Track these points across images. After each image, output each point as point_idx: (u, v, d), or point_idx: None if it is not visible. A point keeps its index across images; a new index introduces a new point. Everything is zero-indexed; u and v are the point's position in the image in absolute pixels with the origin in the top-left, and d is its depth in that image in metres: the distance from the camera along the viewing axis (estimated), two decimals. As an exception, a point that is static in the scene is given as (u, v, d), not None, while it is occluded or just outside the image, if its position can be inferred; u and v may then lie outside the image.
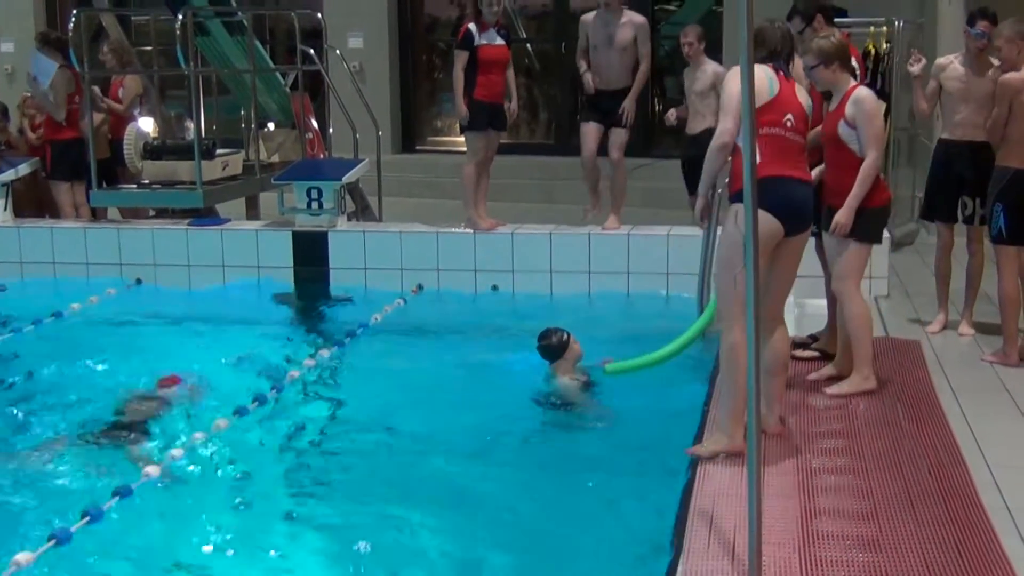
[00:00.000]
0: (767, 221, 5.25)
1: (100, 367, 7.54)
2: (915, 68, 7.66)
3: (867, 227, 6.26)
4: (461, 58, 9.26)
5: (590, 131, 9.44)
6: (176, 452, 5.89)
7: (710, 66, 9.36)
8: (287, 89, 12.21)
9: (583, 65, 9.49)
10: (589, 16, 9.48)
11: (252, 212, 11.78)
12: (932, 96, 7.59)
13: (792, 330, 7.64)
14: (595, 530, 5.12)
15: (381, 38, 16.14)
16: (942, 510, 4.83)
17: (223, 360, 7.54)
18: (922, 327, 7.77)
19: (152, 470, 5.63)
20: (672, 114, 9.76)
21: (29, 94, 11.26)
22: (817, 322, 7.55)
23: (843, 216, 6.17)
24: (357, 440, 6.28)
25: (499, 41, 9.31)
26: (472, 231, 9.43)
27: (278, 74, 12.27)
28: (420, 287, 9.39)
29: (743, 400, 4.98)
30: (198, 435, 6.11)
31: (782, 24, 5.91)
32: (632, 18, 9.34)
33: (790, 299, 8.26)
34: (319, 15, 12.76)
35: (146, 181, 10.51)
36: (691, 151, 8.97)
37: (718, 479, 5.22)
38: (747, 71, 3.96)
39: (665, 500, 5.19)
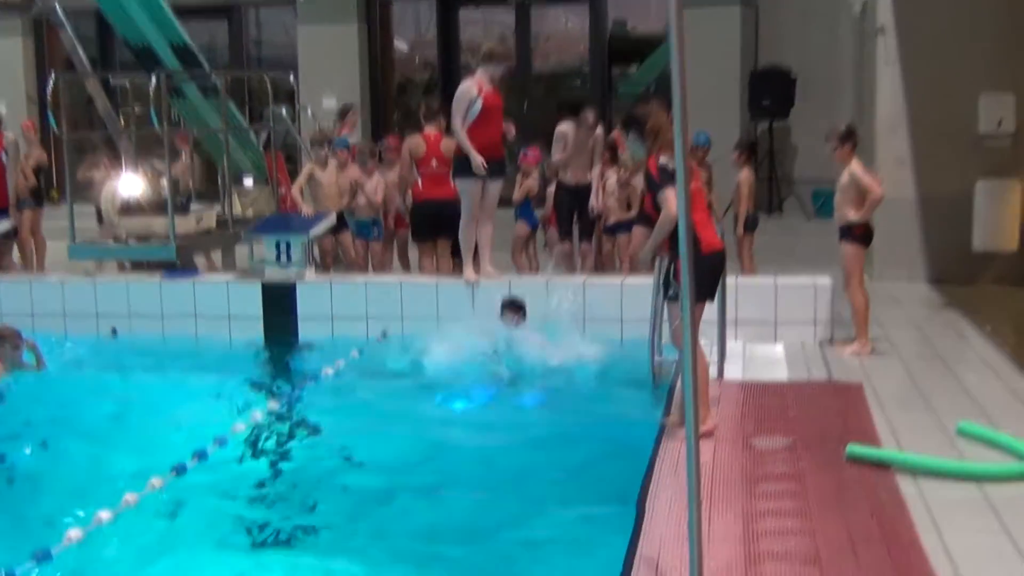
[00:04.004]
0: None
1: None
2: None
3: None
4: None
5: None
6: (104, 514, 5.38)
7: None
8: (260, 147, 12.03)
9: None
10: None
11: (228, 264, 11.52)
12: None
13: (740, 373, 7.54)
14: (540, 568, 4.91)
15: (353, 99, 15.92)
16: (883, 554, 4.57)
17: (180, 409, 7.26)
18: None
19: (75, 534, 5.15)
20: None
21: None
22: (762, 365, 7.80)
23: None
24: (300, 493, 6.00)
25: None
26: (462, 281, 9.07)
27: (252, 132, 12.08)
28: (385, 334, 9.11)
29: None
30: (130, 496, 5.62)
31: None
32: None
33: (738, 343, 8.19)
34: (291, 77, 12.58)
35: (123, 236, 10.25)
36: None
37: (664, 523, 4.95)
38: (681, 147, 3.94)
39: (613, 541, 4.91)
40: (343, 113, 11.76)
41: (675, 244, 5.90)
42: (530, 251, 10.82)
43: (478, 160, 8.65)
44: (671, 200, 5.81)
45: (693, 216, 5.64)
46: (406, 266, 11.00)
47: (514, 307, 8.56)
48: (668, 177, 5.82)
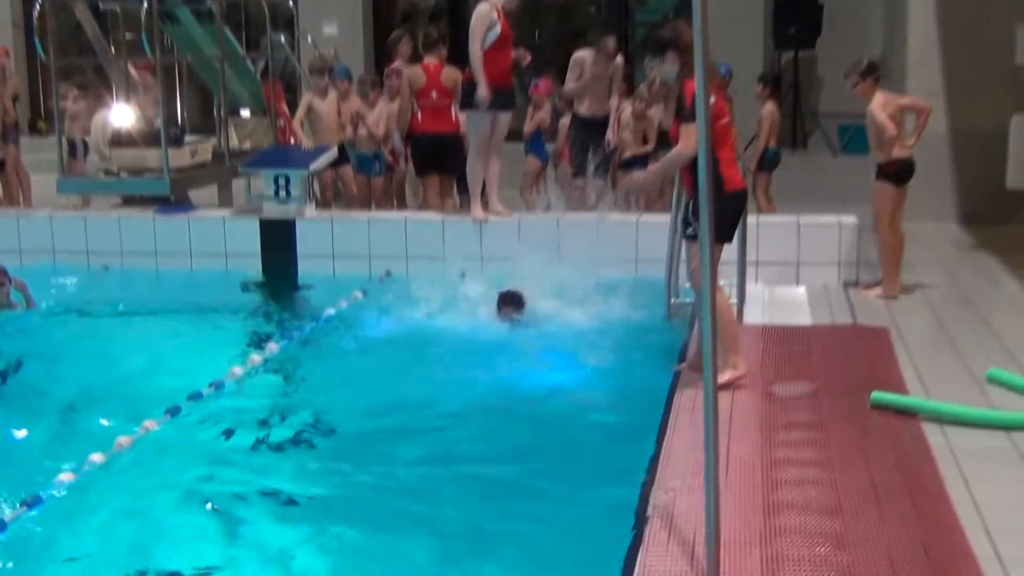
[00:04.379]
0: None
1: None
2: None
3: None
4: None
5: None
6: (96, 457, 5.41)
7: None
8: (258, 76, 11.95)
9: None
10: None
11: (225, 199, 11.49)
12: None
13: (760, 317, 7.50)
14: (553, 522, 4.89)
15: (356, 25, 15.81)
16: (908, 505, 4.55)
17: (175, 352, 7.26)
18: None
19: (66, 477, 5.19)
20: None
21: None
22: (784, 308, 7.74)
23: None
24: (299, 438, 6.02)
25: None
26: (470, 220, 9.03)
27: (249, 61, 11.98)
28: (388, 273, 9.08)
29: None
30: (123, 439, 5.66)
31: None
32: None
33: (758, 285, 8.15)
34: (290, 2, 12.44)
35: (113, 169, 10.22)
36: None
37: (680, 472, 4.93)
38: (702, 78, 3.82)
39: (626, 494, 4.92)
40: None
41: (696, 181, 5.80)
42: (540, 187, 10.76)
43: (484, 91, 8.55)
44: (693, 134, 5.65)
45: (719, 153, 5.57)
46: (400, 202, 10.93)
47: (511, 301, 7.95)
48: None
